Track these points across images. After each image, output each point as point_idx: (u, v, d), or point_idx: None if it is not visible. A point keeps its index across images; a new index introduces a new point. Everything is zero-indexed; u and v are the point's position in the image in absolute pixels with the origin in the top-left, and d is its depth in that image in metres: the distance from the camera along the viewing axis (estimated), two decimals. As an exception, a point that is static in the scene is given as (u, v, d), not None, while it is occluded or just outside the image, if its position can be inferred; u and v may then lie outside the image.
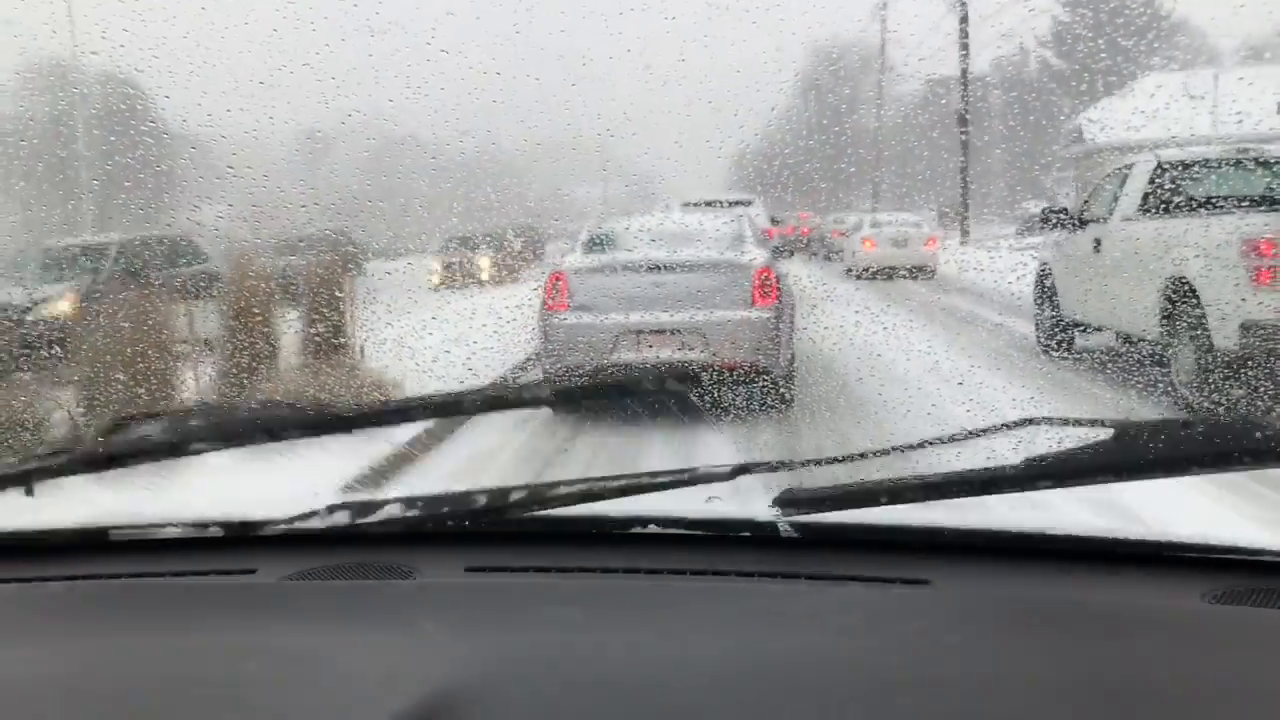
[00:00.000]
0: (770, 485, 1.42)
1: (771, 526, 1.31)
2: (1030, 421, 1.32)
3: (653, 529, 1.37)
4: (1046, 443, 1.26)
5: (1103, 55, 52.41)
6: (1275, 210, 6.52)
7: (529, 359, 8.82)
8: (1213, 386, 6.46)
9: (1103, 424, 1.22)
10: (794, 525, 1.30)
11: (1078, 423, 1.28)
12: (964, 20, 22.79)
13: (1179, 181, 8.11)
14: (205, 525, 1.43)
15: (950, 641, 1.02)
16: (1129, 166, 8.55)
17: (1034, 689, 0.90)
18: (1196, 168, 8.23)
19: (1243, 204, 7.38)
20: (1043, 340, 9.71)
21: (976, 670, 0.95)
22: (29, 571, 1.39)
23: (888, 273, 21.74)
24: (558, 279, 6.85)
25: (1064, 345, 9.32)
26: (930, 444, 1.37)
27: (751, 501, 1.41)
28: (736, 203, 14.49)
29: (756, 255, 7.04)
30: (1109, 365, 8.61)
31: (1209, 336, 6.42)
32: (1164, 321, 7.08)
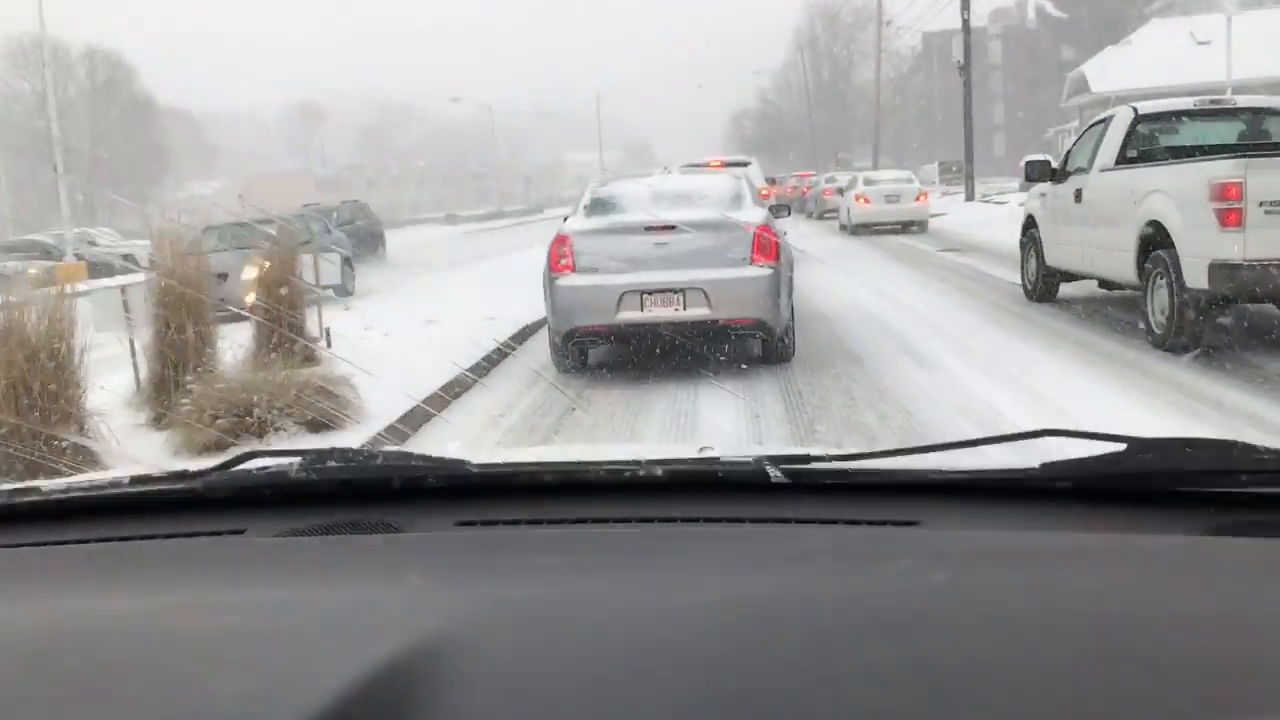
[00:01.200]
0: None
1: (762, 473, 1.34)
2: (1048, 432, 1.36)
3: (640, 478, 1.39)
4: (1061, 452, 1.29)
5: (1103, 3, 52.04)
6: (1241, 156, 6.79)
7: (532, 324, 9.06)
8: (1185, 326, 6.80)
9: (1117, 438, 1.26)
10: (785, 471, 1.33)
11: (1093, 436, 1.30)
12: None
13: (1154, 132, 8.44)
14: (192, 477, 1.43)
15: (939, 580, 1.02)
16: (1107, 119, 8.82)
17: (1025, 625, 0.90)
18: (1170, 119, 8.53)
19: (1213, 152, 7.71)
20: (1029, 289, 10.09)
21: (966, 607, 0.95)
22: (17, 536, 1.39)
23: (881, 228, 22.26)
24: (562, 242, 7.00)
25: (1049, 293, 9.71)
26: (946, 447, 1.38)
27: (743, 450, 1.46)
28: (734, 163, 14.62)
29: (754, 214, 7.20)
30: (1091, 312, 9.01)
31: (1181, 278, 6.74)
32: (1140, 266, 7.40)
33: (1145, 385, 6.10)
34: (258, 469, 1.44)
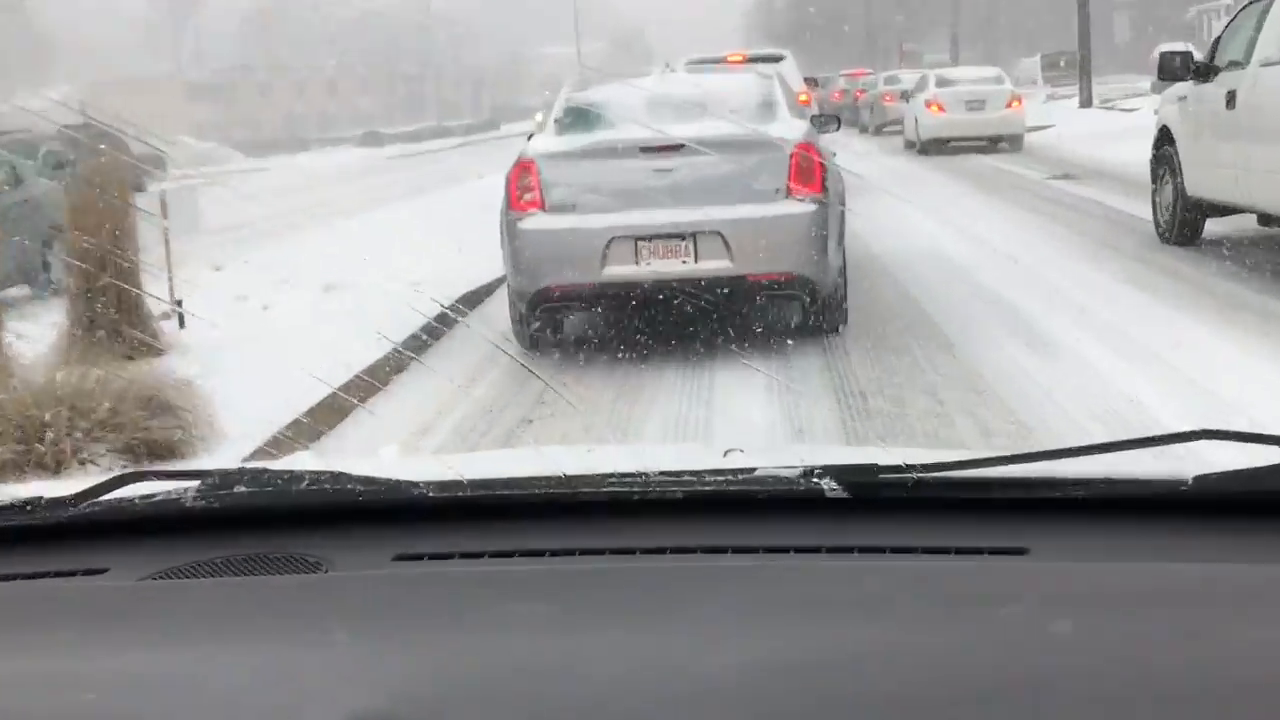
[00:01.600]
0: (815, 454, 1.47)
1: (814, 486, 1.33)
2: (1202, 434, 1.36)
3: (650, 493, 1.39)
4: (1218, 460, 1.31)
5: None
6: None
7: (481, 288, 8.86)
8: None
9: None
10: (841, 481, 1.32)
11: (1260, 439, 1.31)
12: None
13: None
14: (51, 506, 1.44)
15: (1061, 630, 1.00)
16: (1272, -4, 8.70)
17: (1185, 695, 0.90)
18: None
19: None
20: (1163, 228, 10.07)
21: (1101, 668, 0.93)
22: None
23: (961, 144, 22.43)
24: (526, 169, 6.75)
25: (1190, 233, 9.69)
26: (1062, 454, 1.39)
27: (782, 455, 1.45)
28: (761, 58, 14.38)
29: (792, 128, 6.99)
30: (1249, 259, 8.90)
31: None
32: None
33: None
34: (140, 497, 1.44)
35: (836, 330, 6.90)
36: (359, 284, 8.60)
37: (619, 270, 6.51)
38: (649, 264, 6.48)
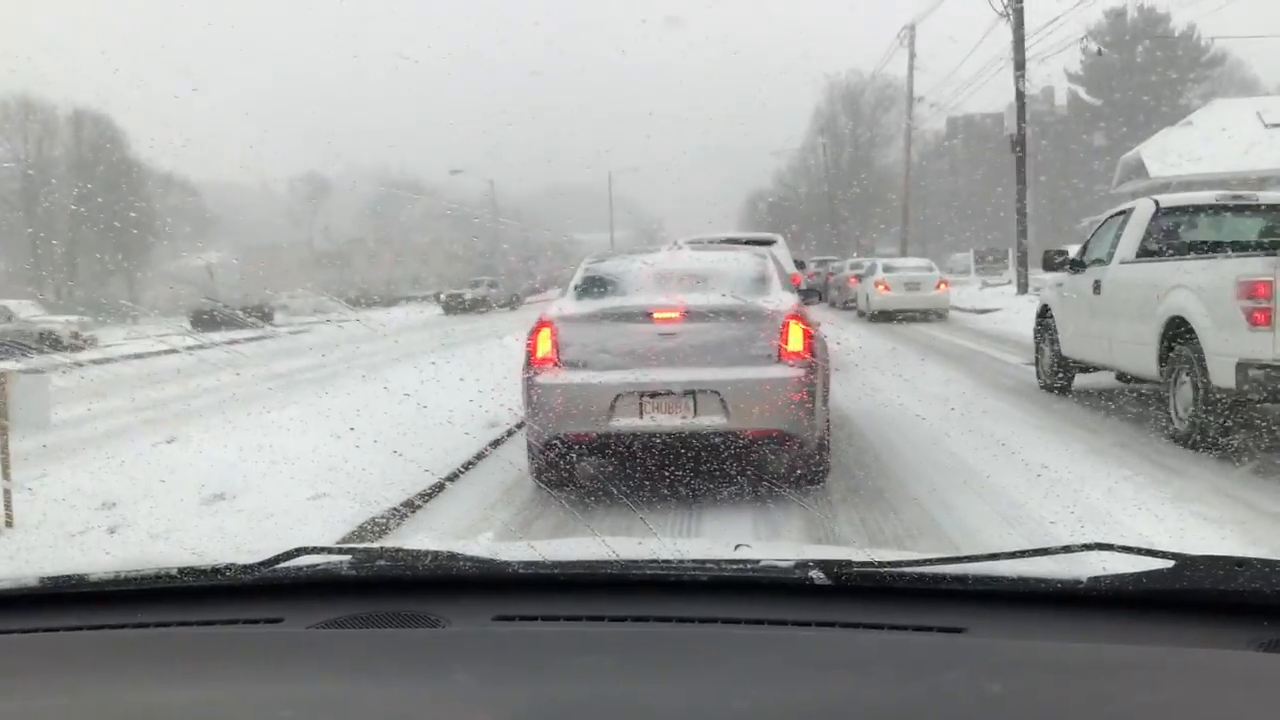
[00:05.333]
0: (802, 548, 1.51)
1: (803, 573, 1.39)
2: (1096, 546, 1.41)
3: (684, 576, 1.46)
4: (1110, 566, 1.34)
5: (1146, 89, 53.01)
6: (1270, 254, 6.79)
7: (509, 430, 8.30)
8: (1209, 424, 6.73)
9: (1164, 555, 1.32)
10: (826, 572, 1.38)
11: (1141, 551, 1.36)
12: (1019, 30, 21.89)
13: (1176, 226, 8.54)
14: (225, 570, 1.51)
15: (994, 690, 1.03)
16: (1127, 211, 8.98)
17: None
18: (1192, 212, 8.68)
19: (1235, 248, 7.86)
20: (1043, 379, 10.22)
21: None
22: (50, 621, 1.44)
23: (902, 316, 22.64)
24: (545, 330, 6.21)
25: (1064, 383, 9.84)
26: (992, 558, 1.44)
27: (781, 549, 1.53)
28: (757, 240, 13.24)
29: (783, 300, 6.39)
30: (1107, 403, 9.01)
31: (1206, 375, 6.70)
32: (1163, 361, 7.40)
33: (1178, 485, 6.02)
34: (306, 565, 1.51)
35: (819, 482, 6.22)
36: (260, 489, 6.15)
37: (625, 422, 5.91)
38: (652, 418, 5.90)
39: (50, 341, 23.39)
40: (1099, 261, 8.93)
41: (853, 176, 66.51)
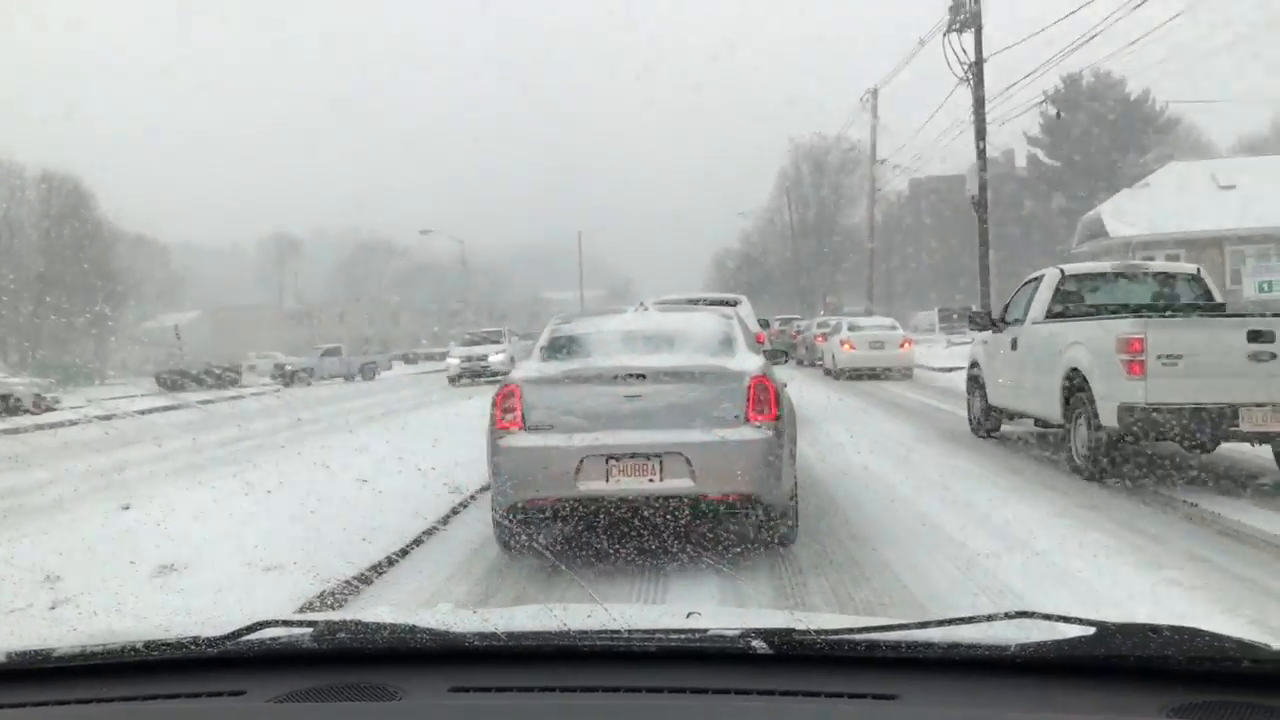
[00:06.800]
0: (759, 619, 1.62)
1: (746, 643, 1.46)
2: (1022, 614, 1.52)
3: (632, 647, 1.51)
4: (1036, 633, 1.45)
5: (1102, 151, 55.21)
6: (1143, 316, 8.27)
7: (473, 493, 8.26)
8: (1100, 458, 8.13)
9: (1087, 622, 1.41)
10: (768, 641, 1.45)
11: (1064, 619, 1.45)
12: (979, 90, 23.15)
13: (1078, 290, 9.99)
14: (191, 644, 1.54)
15: None
16: (1038, 278, 10.42)
17: None
18: (1091, 279, 10.14)
19: (1127, 310, 9.27)
20: (973, 425, 11.61)
21: None
22: (17, 696, 1.47)
23: (866, 373, 23.23)
24: (510, 392, 6.12)
25: (992, 428, 11.25)
26: (925, 625, 1.51)
27: (730, 617, 1.61)
28: (722, 301, 13.41)
29: (749, 361, 6.35)
30: (1027, 444, 10.36)
31: (1097, 417, 8.08)
32: (1065, 406, 8.77)
33: (1060, 504, 7.29)
34: (270, 639, 1.57)
35: (787, 545, 6.20)
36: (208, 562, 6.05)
37: (590, 486, 5.80)
38: (618, 481, 5.79)
39: (10, 405, 23.09)
40: (1017, 321, 10.31)
41: (818, 236, 68.39)
